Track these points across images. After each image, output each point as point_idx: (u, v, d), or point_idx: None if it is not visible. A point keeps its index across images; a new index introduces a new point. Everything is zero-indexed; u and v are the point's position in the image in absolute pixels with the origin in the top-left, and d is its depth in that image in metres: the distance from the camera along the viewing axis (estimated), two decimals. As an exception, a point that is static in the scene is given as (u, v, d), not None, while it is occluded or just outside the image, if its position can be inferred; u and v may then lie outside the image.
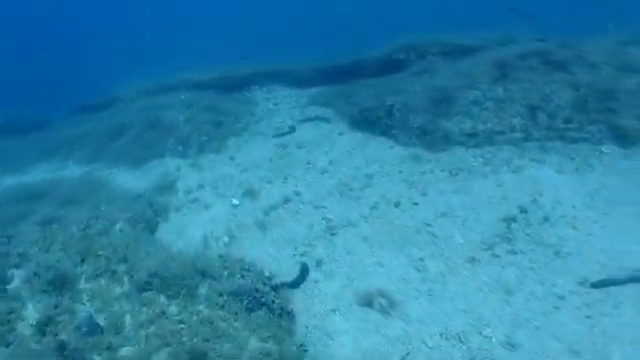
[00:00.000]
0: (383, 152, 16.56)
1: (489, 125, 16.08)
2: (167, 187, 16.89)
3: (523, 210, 13.33)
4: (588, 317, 10.36)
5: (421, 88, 17.38)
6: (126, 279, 11.25)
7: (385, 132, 17.27)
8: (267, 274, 11.98)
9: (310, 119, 19.47)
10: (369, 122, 17.64)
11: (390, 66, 20.15)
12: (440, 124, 16.31)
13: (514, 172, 14.77)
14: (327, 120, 19.11)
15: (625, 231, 12.34)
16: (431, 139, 16.25)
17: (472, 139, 16.00)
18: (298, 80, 22.72)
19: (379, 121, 17.45)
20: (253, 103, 21.95)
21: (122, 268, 11.55)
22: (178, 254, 12.24)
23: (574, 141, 15.58)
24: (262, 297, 10.88)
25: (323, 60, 22.67)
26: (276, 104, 21.67)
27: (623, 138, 15.41)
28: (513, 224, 12.99)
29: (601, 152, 15.18)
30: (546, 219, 13.00)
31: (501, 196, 13.94)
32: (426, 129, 16.43)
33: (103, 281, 11.17)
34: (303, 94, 22.16)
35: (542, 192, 13.88)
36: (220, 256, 12.39)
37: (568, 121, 15.82)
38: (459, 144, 16.08)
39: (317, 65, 22.45)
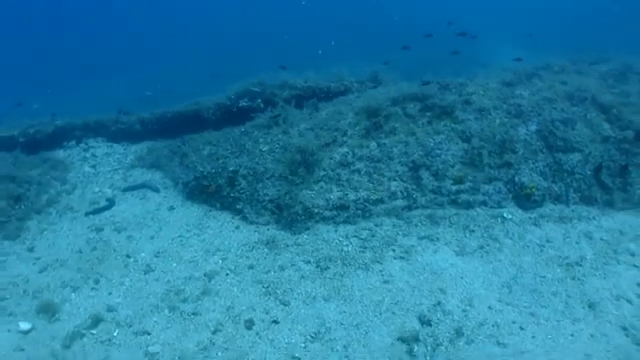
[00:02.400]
0: (227, 236, 11.66)
1: (362, 193, 11.65)
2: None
3: (425, 321, 9.00)
4: None
5: (273, 147, 12.62)
6: None
7: (229, 206, 12.41)
8: None
9: (134, 188, 14.14)
10: (208, 193, 12.55)
11: (234, 115, 15.24)
12: (299, 195, 11.69)
13: (403, 259, 10.48)
14: (155, 189, 13.92)
15: (562, 338, 8.61)
16: (289, 216, 11.56)
17: (342, 213, 11.55)
18: (124, 133, 17.24)
19: (220, 192, 12.46)
20: (66, 166, 16.22)
21: None
22: None
23: (469, 206, 11.78)
24: None
25: (155, 108, 17.30)
26: (95, 166, 16.10)
27: (524, 198, 11.88)
28: (416, 347, 8.63)
29: (504, 219, 11.46)
30: (459, 333, 8.77)
31: (391, 300, 9.49)
32: (281, 202, 11.74)
33: None
34: (129, 151, 16.81)
35: (445, 288, 9.66)
36: None
37: (459, 181, 11.83)
38: (325, 220, 11.56)
39: (148, 115, 17.03)
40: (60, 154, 17.01)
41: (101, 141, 17.62)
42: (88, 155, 16.85)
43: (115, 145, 17.30)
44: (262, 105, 14.86)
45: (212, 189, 12.51)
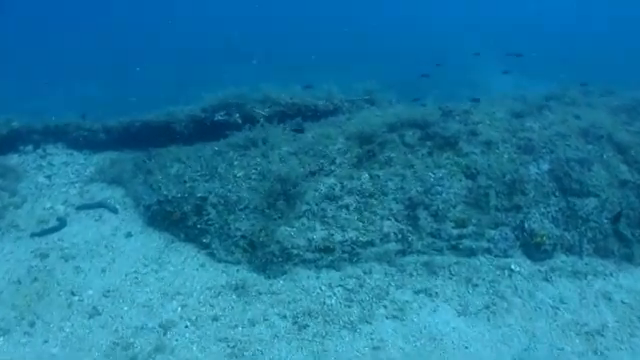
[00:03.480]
0: (190, 275, 9.80)
1: (350, 233, 9.88)
2: None
3: (424, 407, 7.05)
4: None
5: (249, 172, 10.77)
6: None
7: (195, 238, 10.53)
8: None
9: (90, 206, 12.23)
10: (172, 220, 10.66)
11: (208, 130, 13.36)
12: (277, 232, 9.83)
13: (396, 318, 8.77)
14: (113, 209, 12.03)
15: None
16: (263, 256, 9.74)
17: (326, 256, 9.76)
18: (87, 140, 15.25)
19: (185, 220, 10.57)
20: (18, 174, 14.17)
21: None
22: None
23: (472, 253, 10.16)
24: None
25: (123, 114, 15.30)
26: (50, 176, 14.11)
27: (533, 247, 10.22)
28: None
29: (511, 271, 9.79)
30: None
31: (383, 374, 7.61)
32: (255, 239, 9.91)
33: None
34: (90, 162, 14.82)
35: (444, 360, 7.78)
36: None
37: (462, 224, 10.19)
38: (306, 263, 9.78)
39: (114, 122, 15.04)
40: (14, 160, 14.97)
41: (61, 148, 15.61)
42: (44, 163, 14.86)
43: (76, 153, 15.31)
44: (240, 121, 12.99)
45: (176, 216, 10.63)
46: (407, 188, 10.41)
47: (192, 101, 14.28)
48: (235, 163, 11.05)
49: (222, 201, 10.37)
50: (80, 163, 14.72)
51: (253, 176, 10.63)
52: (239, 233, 10.02)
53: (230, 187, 10.54)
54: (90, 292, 9.49)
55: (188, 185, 10.88)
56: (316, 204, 10.13)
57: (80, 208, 12.34)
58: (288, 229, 9.88)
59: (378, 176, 10.57)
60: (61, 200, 12.80)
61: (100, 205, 12.33)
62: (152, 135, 14.15)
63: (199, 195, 10.51)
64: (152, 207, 11.20)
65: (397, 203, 10.33)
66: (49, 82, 23.68)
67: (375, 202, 10.29)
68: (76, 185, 13.51)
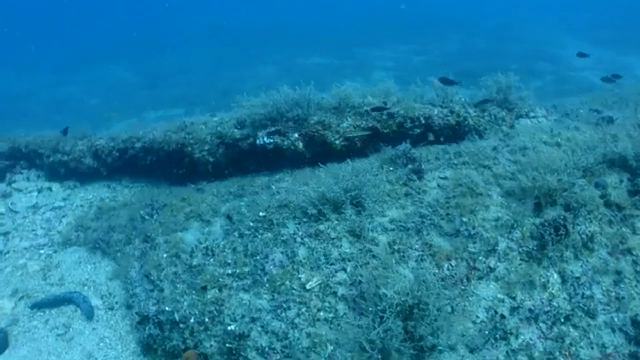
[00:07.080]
0: None
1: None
2: None
3: None
4: None
5: (331, 278, 5.71)
6: None
7: (229, 406, 5.59)
8: None
9: (53, 303, 7.68)
10: (181, 364, 5.89)
11: (247, 159, 8.55)
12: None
13: None
14: (87, 311, 7.40)
15: None
16: None
17: None
18: (69, 168, 10.61)
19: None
20: (-45, 235, 9.72)
21: None
22: None
23: None
24: None
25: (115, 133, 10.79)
26: (7, 235, 9.66)
27: None
28: None
29: None
30: None
31: None
32: None
33: None
34: (71, 202, 10.41)
35: None
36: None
37: None
38: None
39: (104, 142, 10.45)
40: (-33, 201, 10.61)
41: (35, 178, 11.17)
42: (3, 209, 10.38)
43: (55, 186, 11.04)
44: (301, 146, 8.11)
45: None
46: (625, 298, 5.44)
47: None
48: (300, 254, 6.04)
49: (280, 345, 5.44)
50: (56, 207, 10.45)
51: (340, 290, 5.66)
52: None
53: (294, 313, 5.59)
54: None
55: (210, 296, 6.00)
56: (471, 351, 5.18)
57: (37, 306, 7.77)
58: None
59: (576, 277, 5.56)
60: (12, 286, 8.23)
61: (70, 300, 7.71)
62: (159, 161, 9.52)
63: (231, 328, 5.62)
64: (149, 324, 6.43)
65: (612, 332, 5.38)
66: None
67: (575, 333, 5.34)
68: (42, 252, 9.07)
